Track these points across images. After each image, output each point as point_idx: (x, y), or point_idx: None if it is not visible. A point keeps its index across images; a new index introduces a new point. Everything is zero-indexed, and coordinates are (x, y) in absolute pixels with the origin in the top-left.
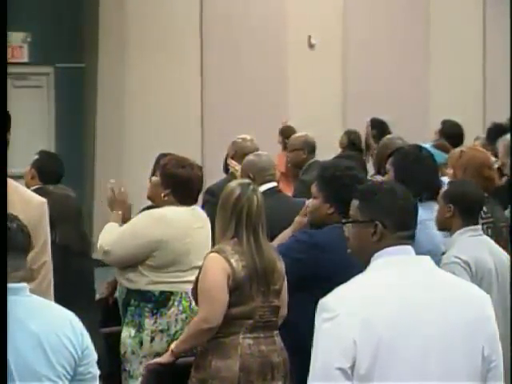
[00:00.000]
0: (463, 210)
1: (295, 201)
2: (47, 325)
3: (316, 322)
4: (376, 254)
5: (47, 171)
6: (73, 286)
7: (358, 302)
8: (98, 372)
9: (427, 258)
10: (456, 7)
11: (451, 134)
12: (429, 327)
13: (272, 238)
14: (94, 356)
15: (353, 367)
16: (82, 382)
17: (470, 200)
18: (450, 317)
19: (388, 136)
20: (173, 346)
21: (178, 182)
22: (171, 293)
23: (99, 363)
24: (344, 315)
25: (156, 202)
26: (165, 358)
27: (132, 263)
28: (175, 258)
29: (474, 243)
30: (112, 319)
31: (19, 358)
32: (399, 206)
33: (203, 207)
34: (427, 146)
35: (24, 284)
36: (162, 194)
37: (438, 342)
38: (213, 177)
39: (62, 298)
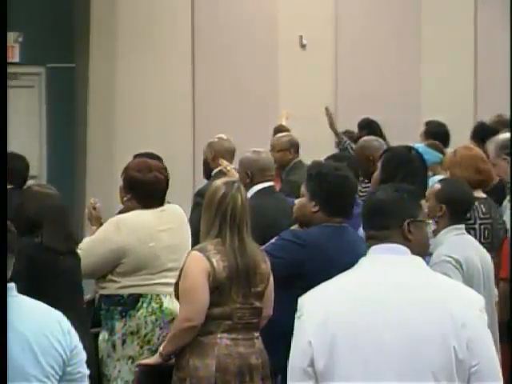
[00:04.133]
0: (453, 211)
1: (290, 201)
2: (36, 325)
3: None
4: (367, 252)
5: (15, 172)
6: (61, 287)
7: (319, 301)
8: (87, 371)
9: (418, 259)
10: (447, 7)
11: (437, 133)
12: (387, 327)
13: (268, 237)
14: (83, 355)
15: (313, 366)
16: (71, 382)
17: (461, 201)
18: (414, 318)
19: (365, 138)
20: (160, 347)
21: (137, 186)
22: (140, 294)
23: (88, 363)
24: (306, 315)
25: (125, 207)
26: (153, 360)
27: (102, 273)
28: (142, 263)
29: (462, 242)
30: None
31: (8, 358)
32: (369, 205)
33: (194, 209)
34: (420, 145)
35: (12, 284)
36: (124, 199)
37: (397, 342)
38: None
39: (50, 299)
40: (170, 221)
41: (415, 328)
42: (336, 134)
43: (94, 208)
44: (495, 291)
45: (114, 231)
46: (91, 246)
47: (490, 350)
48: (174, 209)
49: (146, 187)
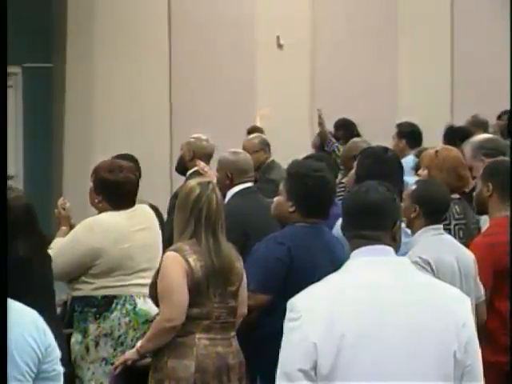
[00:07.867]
0: (428, 212)
1: (270, 201)
2: (11, 324)
3: (284, 322)
4: (352, 254)
5: None
6: (33, 289)
7: (322, 302)
8: (62, 369)
9: (406, 260)
10: (424, 9)
11: (410, 133)
12: (394, 329)
13: (248, 238)
14: (58, 353)
15: (315, 368)
16: (46, 380)
17: (435, 202)
18: (419, 319)
19: (354, 139)
20: (138, 344)
21: (107, 187)
22: (114, 296)
23: (63, 363)
24: (306, 316)
25: (96, 209)
26: (129, 355)
27: (75, 274)
28: (116, 264)
29: (436, 242)
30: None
31: None
32: (361, 204)
33: (171, 211)
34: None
35: None
36: (96, 201)
37: (404, 343)
38: (182, 179)
39: (23, 302)
40: (142, 221)
41: (420, 328)
42: (324, 134)
43: (64, 208)
44: (482, 291)
45: (88, 233)
46: (65, 247)
47: (479, 350)
48: (143, 209)
49: (117, 188)
